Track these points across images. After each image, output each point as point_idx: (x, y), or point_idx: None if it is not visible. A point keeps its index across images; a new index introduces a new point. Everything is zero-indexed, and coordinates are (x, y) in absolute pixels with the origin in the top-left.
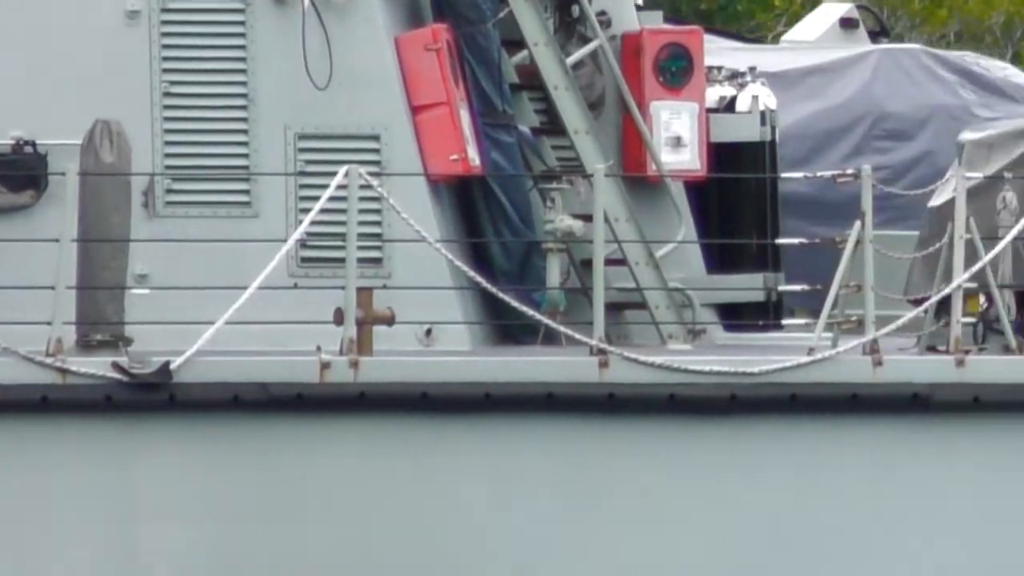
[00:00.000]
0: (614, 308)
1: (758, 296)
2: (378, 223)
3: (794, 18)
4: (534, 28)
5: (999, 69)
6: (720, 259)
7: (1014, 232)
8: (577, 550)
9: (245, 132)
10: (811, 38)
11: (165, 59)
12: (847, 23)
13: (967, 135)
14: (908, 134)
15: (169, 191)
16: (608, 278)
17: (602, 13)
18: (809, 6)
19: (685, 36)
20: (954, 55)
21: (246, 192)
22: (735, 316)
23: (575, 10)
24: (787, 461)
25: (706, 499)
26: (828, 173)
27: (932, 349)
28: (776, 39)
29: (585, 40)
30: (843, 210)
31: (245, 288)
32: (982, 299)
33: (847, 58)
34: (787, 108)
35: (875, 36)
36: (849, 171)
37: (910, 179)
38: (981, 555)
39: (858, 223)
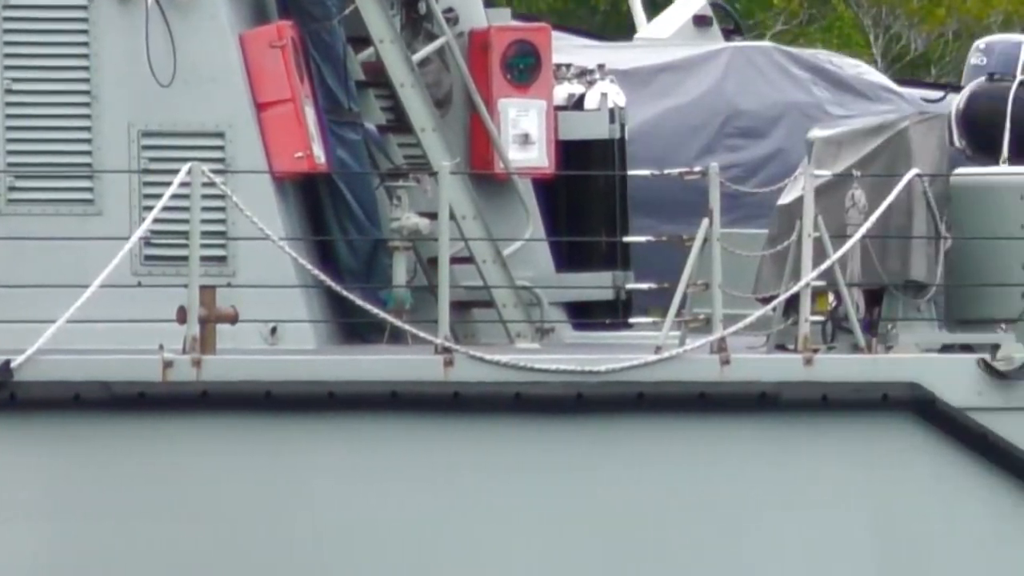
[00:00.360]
0: (461, 307)
1: (607, 294)
2: (222, 221)
3: (792, 16)
4: (380, 25)
5: (852, 67)
6: (569, 257)
7: (862, 230)
8: (423, 548)
9: (88, 129)
10: (664, 35)
11: (7, 56)
12: (701, 21)
13: (816, 133)
14: (760, 132)
15: (11, 189)
16: (455, 276)
17: (449, 10)
18: (808, 4)
19: (533, 33)
20: (807, 53)
21: (89, 190)
22: (584, 315)
23: (422, 7)
24: (634, 460)
25: (552, 498)
26: (675, 171)
27: (781, 348)
28: (774, 38)
29: (432, 37)
30: (694, 208)
31: (87, 286)
32: (831, 297)
33: (699, 55)
34: (639, 106)
35: (729, 34)
36: (696, 169)
37: (762, 177)
38: (829, 552)
39: (706, 221)
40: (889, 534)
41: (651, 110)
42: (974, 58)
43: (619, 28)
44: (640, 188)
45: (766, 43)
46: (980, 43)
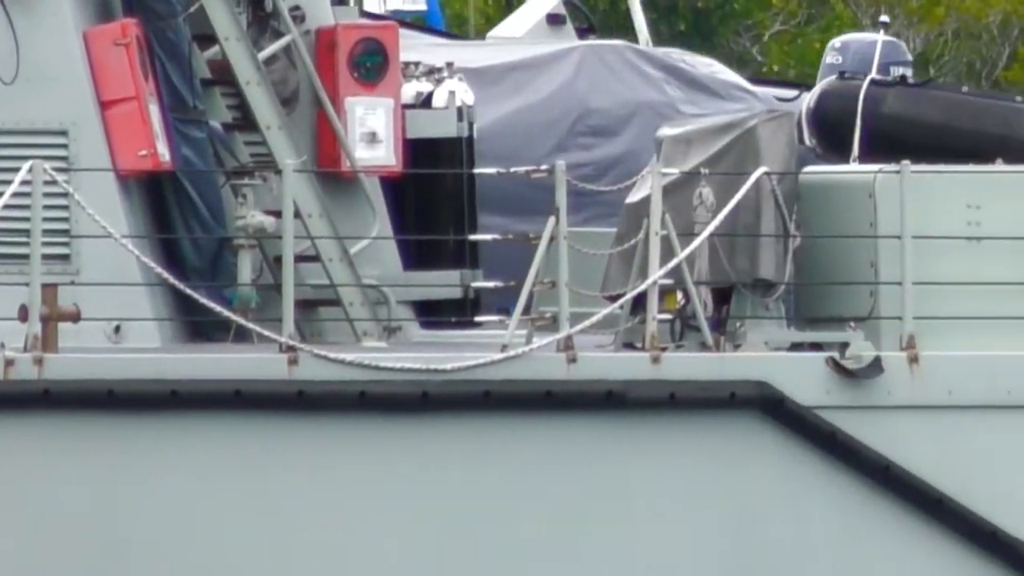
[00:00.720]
0: (308, 305)
1: (455, 293)
2: (66, 219)
3: (791, 16)
4: (225, 23)
5: (705, 65)
6: (417, 256)
7: (710, 228)
8: (267, 546)
9: None
10: (518, 34)
11: None
12: (554, 19)
13: (665, 131)
14: (612, 130)
15: None
16: (301, 275)
17: (296, 8)
18: (806, 4)
19: (380, 31)
20: (660, 51)
21: None
22: (432, 313)
23: (268, 5)
24: (481, 459)
25: (398, 497)
26: (522, 169)
27: (629, 346)
28: (773, 37)
29: (279, 35)
30: (545, 207)
31: None
32: (679, 296)
33: (551, 54)
34: (490, 104)
35: (583, 32)
36: (543, 167)
37: (614, 175)
38: (676, 551)
39: (552, 219)
40: (737, 533)
41: (502, 108)
42: (829, 57)
43: (619, 28)
44: (490, 187)
45: (618, 41)
46: (835, 42)
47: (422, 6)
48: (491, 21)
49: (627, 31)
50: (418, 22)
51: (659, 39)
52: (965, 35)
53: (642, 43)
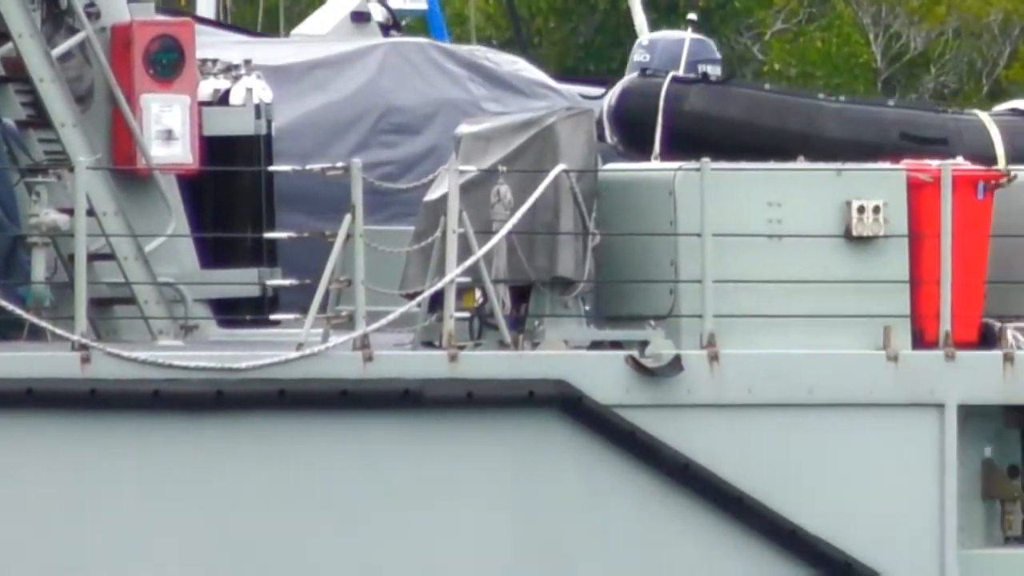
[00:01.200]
0: (103, 304)
1: (253, 291)
2: None
3: (792, 15)
4: (18, 19)
5: (509, 63)
6: (214, 254)
7: (508, 226)
8: (60, 547)
9: None
10: (322, 32)
11: None
12: (359, 17)
13: (464, 128)
14: (415, 128)
15: None
16: (96, 273)
17: (91, 4)
18: (808, 3)
19: (176, 28)
20: (464, 49)
21: None
22: (231, 312)
23: (63, 1)
24: (277, 458)
25: (192, 497)
26: (318, 166)
27: (429, 345)
28: (774, 36)
29: (73, 32)
30: (346, 205)
31: None
32: (478, 294)
33: (353, 52)
34: (292, 102)
35: (387, 30)
36: (339, 164)
37: (417, 173)
38: (475, 550)
39: (348, 217)
40: (536, 532)
41: (304, 106)
42: (637, 55)
43: (620, 28)
44: (292, 185)
45: (422, 39)
46: (643, 39)
47: (423, 5)
48: (492, 20)
49: (628, 30)
50: (419, 22)
51: None
52: (966, 34)
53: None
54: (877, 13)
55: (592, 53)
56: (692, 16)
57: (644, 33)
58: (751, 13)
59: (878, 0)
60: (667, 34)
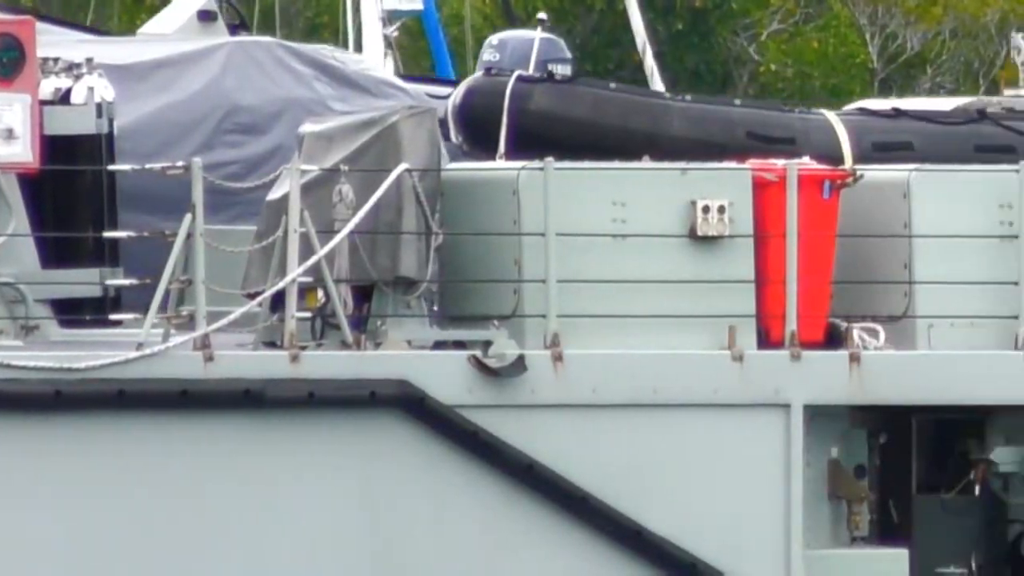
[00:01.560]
0: None
1: (94, 291)
2: None
3: (789, 15)
4: None
5: (355, 63)
6: (55, 253)
7: (350, 226)
8: None
9: None
10: (168, 31)
11: None
12: (206, 16)
13: (307, 127)
14: (260, 128)
15: None
16: None
17: None
18: (804, 3)
19: (16, 26)
20: (310, 48)
21: None
22: (73, 312)
23: None
24: (115, 459)
25: (29, 498)
26: (158, 166)
27: (271, 344)
28: (771, 36)
29: None
30: (188, 204)
31: None
32: (320, 294)
33: (197, 51)
34: (135, 101)
35: (235, 29)
36: (179, 164)
37: (263, 173)
38: (317, 551)
39: (188, 216)
40: (379, 533)
41: (148, 106)
42: (487, 54)
43: (616, 28)
44: (134, 185)
45: (267, 38)
46: (493, 39)
47: (419, 5)
48: (488, 20)
49: (624, 31)
50: (415, 22)
51: (656, 39)
52: (963, 34)
53: (639, 44)
54: (873, 13)
55: (588, 53)
56: (542, 15)
57: (640, 34)
58: (747, 13)
59: (874, 0)
60: (517, 33)
